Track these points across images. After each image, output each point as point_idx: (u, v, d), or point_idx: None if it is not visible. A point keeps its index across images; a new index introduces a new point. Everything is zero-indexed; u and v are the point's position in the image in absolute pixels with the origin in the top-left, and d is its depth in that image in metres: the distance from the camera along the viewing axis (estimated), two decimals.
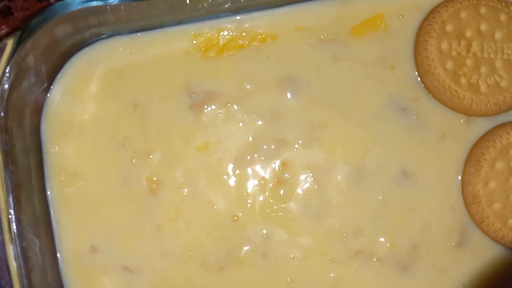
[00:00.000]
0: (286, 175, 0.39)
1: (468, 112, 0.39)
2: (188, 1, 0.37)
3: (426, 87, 0.39)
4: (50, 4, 0.42)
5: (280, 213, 0.39)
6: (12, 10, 0.43)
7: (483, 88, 0.39)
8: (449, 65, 0.39)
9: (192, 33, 0.40)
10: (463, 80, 0.39)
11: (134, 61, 0.40)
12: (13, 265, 0.34)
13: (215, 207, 0.39)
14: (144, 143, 0.39)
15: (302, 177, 0.39)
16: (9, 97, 0.35)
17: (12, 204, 0.35)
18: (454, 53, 0.39)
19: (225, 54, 0.40)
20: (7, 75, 0.35)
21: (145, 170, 0.39)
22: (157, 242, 0.39)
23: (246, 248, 0.39)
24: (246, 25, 0.40)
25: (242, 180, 0.39)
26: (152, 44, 0.40)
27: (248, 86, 0.39)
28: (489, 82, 0.39)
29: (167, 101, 0.39)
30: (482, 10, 0.39)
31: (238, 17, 0.40)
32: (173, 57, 0.39)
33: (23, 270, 0.34)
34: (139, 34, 0.40)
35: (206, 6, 0.38)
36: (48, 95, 0.39)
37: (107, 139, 0.39)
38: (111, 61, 0.40)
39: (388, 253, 0.39)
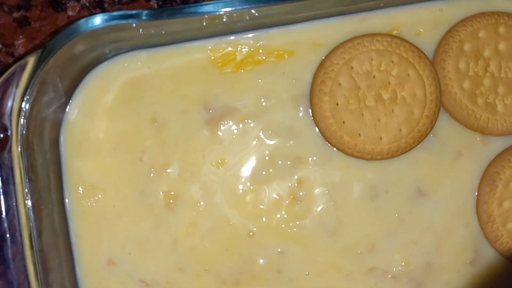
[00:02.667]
0: (302, 192, 0.39)
1: (484, 132, 0.39)
2: (204, 22, 0.37)
3: (443, 105, 0.39)
4: (68, 16, 0.43)
5: (295, 229, 0.39)
6: (29, 20, 0.43)
7: (499, 107, 0.39)
8: (466, 84, 0.39)
9: (209, 48, 0.40)
10: (480, 100, 0.39)
11: (152, 76, 0.40)
12: (33, 281, 0.34)
13: (231, 223, 0.39)
14: (161, 157, 0.39)
15: (318, 194, 0.39)
16: (30, 113, 0.35)
17: (33, 219, 0.35)
18: (471, 73, 0.39)
19: (242, 70, 0.40)
20: (28, 92, 0.35)
21: (162, 184, 0.39)
22: (173, 256, 0.39)
23: (261, 263, 0.39)
24: (264, 41, 0.40)
25: (257, 196, 0.39)
26: (170, 59, 0.40)
27: (264, 103, 0.40)
28: (506, 102, 0.39)
29: (184, 116, 0.40)
30: (501, 29, 0.39)
31: (256, 33, 0.40)
32: (191, 72, 0.40)
33: (44, 286, 0.35)
34: (157, 48, 0.40)
35: (224, 22, 0.38)
36: (67, 109, 0.40)
37: (124, 153, 0.40)
38: (129, 75, 0.40)
39: (402, 270, 0.40)
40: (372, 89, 0.38)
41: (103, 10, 0.43)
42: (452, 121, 0.40)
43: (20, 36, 0.43)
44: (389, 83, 0.39)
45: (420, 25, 0.40)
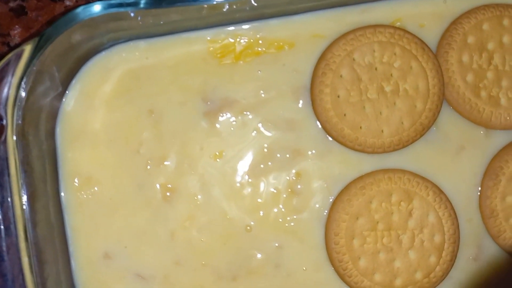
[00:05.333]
0: (300, 186, 0.39)
1: (487, 125, 0.39)
2: (204, 12, 0.36)
3: (446, 98, 0.39)
4: (65, 5, 0.42)
5: (292, 224, 0.39)
6: (25, 10, 0.43)
7: (503, 101, 0.38)
8: (470, 77, 0.38)
9: (208, 38, 0.39)
10: (483, 93, 0.38)
11: (150, 66, 0.39)
12: (28, 274, 0.34)
13: (228, 216, 0.39)
14: (159, 149, 0.39)
15: (316, 187, 0.39)
16: (26, 103, 0.35)
17: (28, 211, 0.35)
18: (475, 66, 0.38)
19: (242, 61, 0.39)
20: (24, 81, 0.34)
21: (160, 177, 0.39)
22: (170, 250, 0.39)
23: (259, 258, 0.39)
24: (264, 32, 0.39)
25: (255, 189, 0.39)
26: (169, 50, 0.39)
27: (263, 94, 0.39)
28: (510, 95, 0.38)
29: (182, 107, 0.39)
30: (505, 22, 0.38)
31: (255, 24, 0.39)
32: (189, 63, 0.39)
33: (38, 279, 0.34)
34: (156, 39, 0.39)
35: (223, 12, 0.37)
36: (63, 100, 0.39)
37: (121, 144, 0.39)
38: (127, 66, 0.39)
39: None
40: (374, 81, 0.38)
41: None
42: (455, 115, 0.39)
43: (16, 26, 0.42)
44: (391, 75, 0.38)
45: (424, 17, 0.40)
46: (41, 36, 0.35)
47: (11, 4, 0.42)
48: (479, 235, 0.39)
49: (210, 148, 0.39)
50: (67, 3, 0.42)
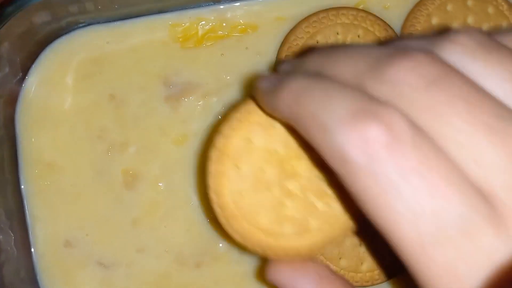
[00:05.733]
0: None
1: None
2: None
3: None
4: None
5: None
6: None
7: None
8: None
9: (170, 23, 0.39)
10: None
11: (111, 51, 0.39)
12: None
13: (191, 203, 0.38)
14: (120, 135, 0.38)
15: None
16: None
17: None
18: None
19: (204, 45, 0.39)
20: None
21: (121, 163, 0.38)
22: (132, 237, 0.38)
23: (223, 244, 0.38)
24: (227, 15, 0.39)
25: None
26: (130, 34, 0.39)
27: (227, 78, 0.38)
28: None
29: (144, 92, 0.38)
30: (470, 2, 0.38)
31: (218, 7, 0.39)
32: (151, 47, 0.39)
33: None
34: (117, 23, 0.39)
35: None
36: (23, 85, 0.38)
37: (82, 130, 0.38)
38: (88, 51, 0.39)
39: None
40: None
41: None
42: None
43: None
44: None
45: (388, 0, 0.39)
46: None
47: None
48: None
49: (172, 133, 0.38)
50: None
